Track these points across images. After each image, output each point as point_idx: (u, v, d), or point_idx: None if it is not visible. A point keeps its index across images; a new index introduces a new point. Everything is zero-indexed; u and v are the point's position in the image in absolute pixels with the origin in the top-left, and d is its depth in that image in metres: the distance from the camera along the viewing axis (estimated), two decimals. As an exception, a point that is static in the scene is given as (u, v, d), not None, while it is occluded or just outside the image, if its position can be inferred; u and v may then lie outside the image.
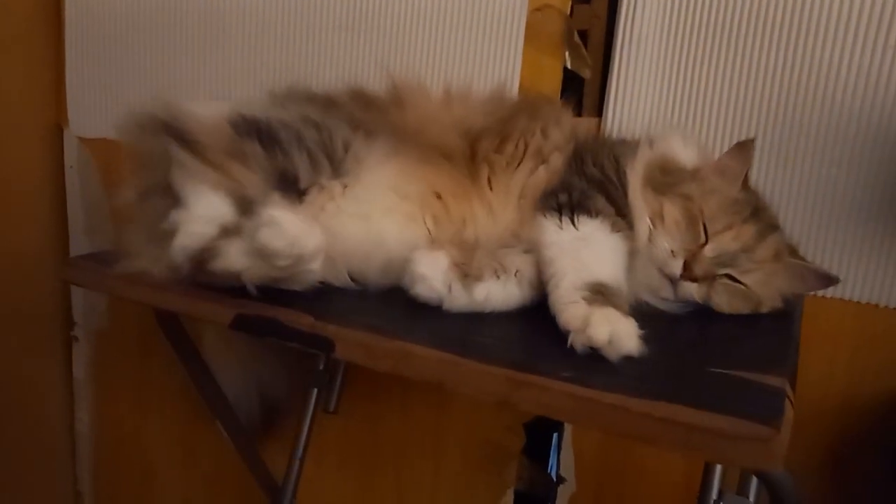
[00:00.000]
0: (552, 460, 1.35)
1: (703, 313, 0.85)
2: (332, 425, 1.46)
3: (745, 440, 0.56)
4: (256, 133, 0.85)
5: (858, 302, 1.08)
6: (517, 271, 0.82)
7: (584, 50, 1.26)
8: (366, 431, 1.47)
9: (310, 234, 0.76)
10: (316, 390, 1.33)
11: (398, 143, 0.91)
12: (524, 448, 1.38)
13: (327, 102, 0.97)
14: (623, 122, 1.19)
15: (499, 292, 0.81)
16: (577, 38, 1.25)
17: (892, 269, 1.04)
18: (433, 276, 0.79)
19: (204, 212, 0.81)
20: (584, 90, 1.26)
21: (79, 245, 1.69)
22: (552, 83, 1.26)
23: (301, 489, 1.38)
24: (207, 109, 0.88)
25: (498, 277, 0.81)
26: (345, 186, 0.88)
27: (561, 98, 1.25)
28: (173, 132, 0.85)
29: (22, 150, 1.59)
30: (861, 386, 1.10)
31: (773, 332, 0.83)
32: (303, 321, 0.77)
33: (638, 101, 1.17)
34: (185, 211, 0.82)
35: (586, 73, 1.26)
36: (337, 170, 0.87)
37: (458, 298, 0.79)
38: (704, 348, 0.79)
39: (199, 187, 0.83)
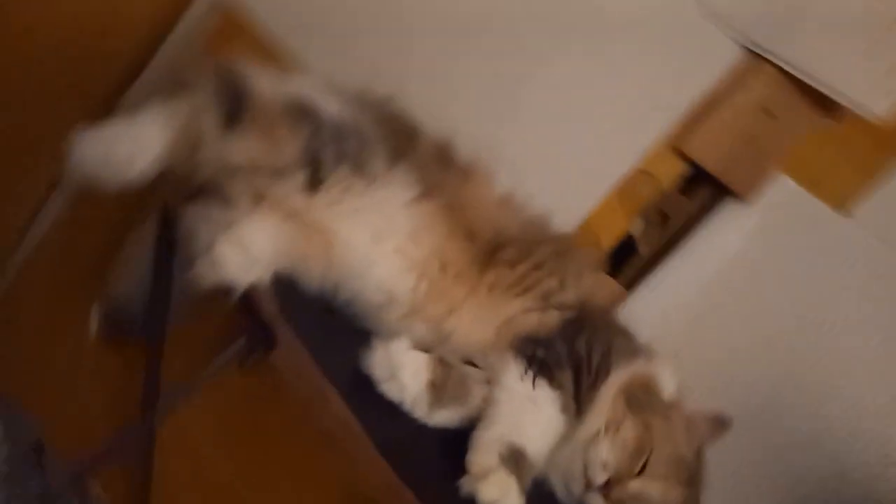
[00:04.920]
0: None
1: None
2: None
3: None
4: (310, 116, 0.88)
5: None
6: (481, 401, 0.83)
7: (655, 230, 1.26)
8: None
9: (251, 264, 0.79)
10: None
11: (441, 202, 0.91)
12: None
13: (409, 134, 0.97)
14: (644, 309, 1.19)
15: (454, 417, 0.83)
16: (657, 217, 1.25)
17: None
18: (410, 387, 0.80)
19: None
20: (632, 261, 1.26)
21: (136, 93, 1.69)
22: (610, 237, 1.26)
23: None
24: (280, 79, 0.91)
25: (461, 406, 0.82)
26: (369, 182, 0.89)
27: (608, 255, 1.25)
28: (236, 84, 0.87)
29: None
30: None
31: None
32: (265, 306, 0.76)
33: (666, 309, 1.17)
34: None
35: (644, 250, 1.25)
36: (361, 169, 0.89)
37: (418, 411, 0.81)
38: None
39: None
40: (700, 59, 1.24)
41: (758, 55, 1.18)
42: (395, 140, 0.94)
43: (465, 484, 0.72)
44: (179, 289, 1.04)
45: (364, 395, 0.76)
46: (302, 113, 0.89)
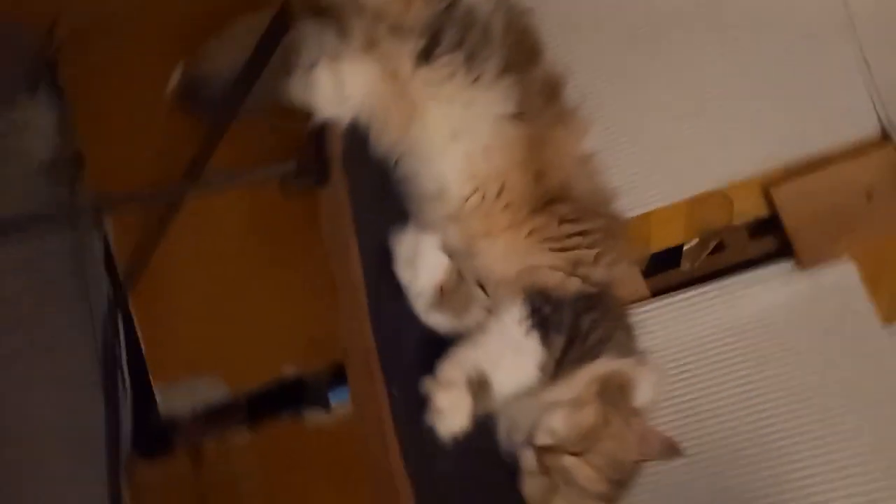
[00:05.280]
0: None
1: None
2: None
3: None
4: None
5: None
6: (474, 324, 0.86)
7: (705, 253, 1.26)
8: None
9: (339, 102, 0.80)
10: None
11: (528, 131, 0.92)
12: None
13: (530, 53, 0.96)
14: (656, 319, 1.21)
15: (445, 325, 0.86)
16: (713, 242, 1.26)
17: None
18: (421, 279, 0.83)
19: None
20: (670, 271, 1.27)
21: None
22: (661, 240, 1.28)
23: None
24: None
25: (456, 319, 0.86)
26: (473, 81, 0.89)
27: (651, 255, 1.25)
28: None
29: None
30: None
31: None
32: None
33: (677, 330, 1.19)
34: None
35: (685, 267, 1.26)
36: (472, 63, 0.88)
37: (418, 304, 0.84)
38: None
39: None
40: (838, 116, 1.20)
41: (889, 137, 1.15)
42: (516, 53, 0.93)
43: (428, 384, 0.76)
44: (264, 88, 1.06)
45: (381, 267, 0.79)
46: None
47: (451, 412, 0.75)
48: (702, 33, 1.27)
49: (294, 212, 1.44)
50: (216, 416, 1.57)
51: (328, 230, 0.76)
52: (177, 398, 1.59)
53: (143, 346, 1.61)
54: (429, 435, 0.72)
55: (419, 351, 0.80)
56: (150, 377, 1.59)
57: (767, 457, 1.12)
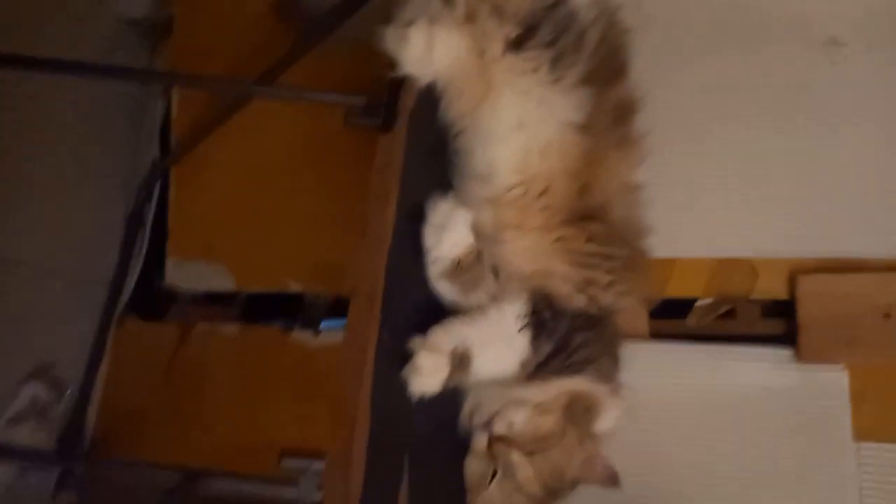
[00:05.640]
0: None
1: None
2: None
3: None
4: None
5: None
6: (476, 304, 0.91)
7: (714, 316, 1.29)
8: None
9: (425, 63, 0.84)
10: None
11: (588, 145, 0.95)
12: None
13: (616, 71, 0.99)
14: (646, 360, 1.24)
15: (449, 295, 0.91)
16: (725, 307, 1.28)
17: None
18: (442, 248, 0.87)
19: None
20: (675, 320, 1.30)
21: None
22: (677, 289, 1.30)
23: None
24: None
25: (461, 293, 0.91)
26: (553, 81, 0.91)
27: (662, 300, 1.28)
28: None
29: None
30: None
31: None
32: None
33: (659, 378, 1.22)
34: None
35: (691, 322, 1.30)
36: (557, 65, 0.91)
37: (432, 268, 0.89)
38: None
39: None
40: (884, 228, 1.22)
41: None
42: (602, 67, 0.95)
43: (416, 342, 0.81)
44: (358, 23, 1.10)
45: (410, 225, 0.83)
46: None
47: (427, 373, 0.79)
48: (787, 108, 1.28)
49: (345, 147, 1.49)
50: (214, 302, 1.64)
51: (376, 174, 0.80)
52: (184, 275, 1.66)
53: (169, 217, 1.68)
54: (400, 386, 0.77)
55: (418, 310, 0.84)
56: (167, 248, 1.67)
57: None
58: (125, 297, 1.65)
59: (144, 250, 1.68)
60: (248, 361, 1.53)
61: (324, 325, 1.53)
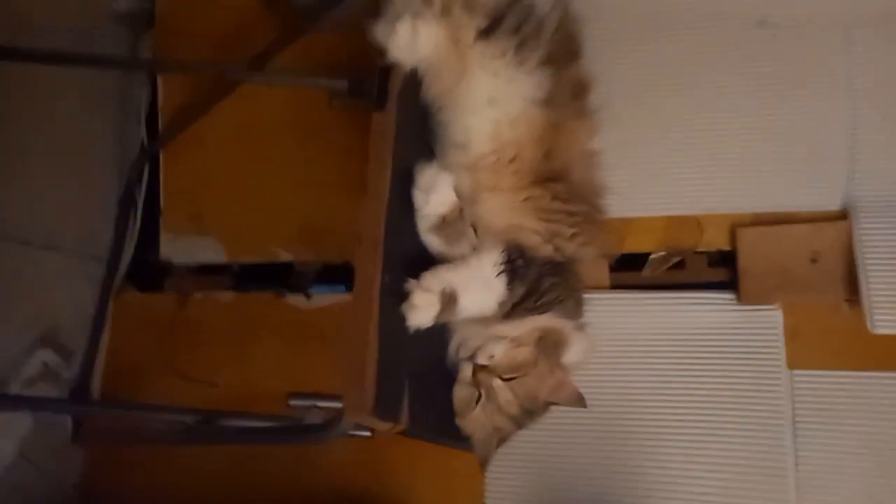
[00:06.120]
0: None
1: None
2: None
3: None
4: None
5: None
6: (459, 254, 1.05)
7: (666, 267, 1.45)
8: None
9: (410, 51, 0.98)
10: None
11: (550, 118, 1.09)
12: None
13: (571, 54, 1.13)
14: (606, 306, 1.39)
15: (435, 247, 1.05)
16: (676, 258, 1.44)
17: None
18: (430, 206, 1.02)
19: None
20: (631, 272, 1.45)
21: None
22: (635, 244, 1.46)
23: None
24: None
25: (446, 245, 1.06)
26: (518, 63, 1.05)
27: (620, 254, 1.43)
28: None
29: None
30: None
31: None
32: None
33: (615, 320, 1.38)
34: None
35: (645, 273, 1.45)
36: (521, 50, 1.05)
37: (421, 224, 1.03)
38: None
39: None
40: (813, 182, 1.38)
41: (846, 215, 1.34)
42: (559, 50, 1.10)
43: (412, 283, 0.96)
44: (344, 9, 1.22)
45: (403, 186, 0.97)
46: None
47: (421, 309, 0.94)
48: (726, 83, 1.43)
49: (328, 125, 1.62)
50: (208, 274, 1.74)
51: (373, 145, 0.94)
52: (178, 249, 1.76)
53: (161, 196, 1.78)
54: (400, 319, 0.92)
55: (413, 258, 0.99)
56: (161, 224, 1.77)
57: (657, 438, 1.34)
58: (122, 271, 1.72)
59: (137, 228, 1.75)
60: (245, 322, 1.63)
61: (313, 290, 1.64)
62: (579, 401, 1.07)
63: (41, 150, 1.57)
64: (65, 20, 1.62)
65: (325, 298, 1.61)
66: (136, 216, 1.76)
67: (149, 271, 1.77)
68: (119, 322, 1.69)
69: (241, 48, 1.59)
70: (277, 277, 1.68)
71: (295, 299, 1.62)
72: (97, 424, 1.60)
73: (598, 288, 1.42)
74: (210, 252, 1.73)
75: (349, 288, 1.51)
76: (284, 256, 1.68)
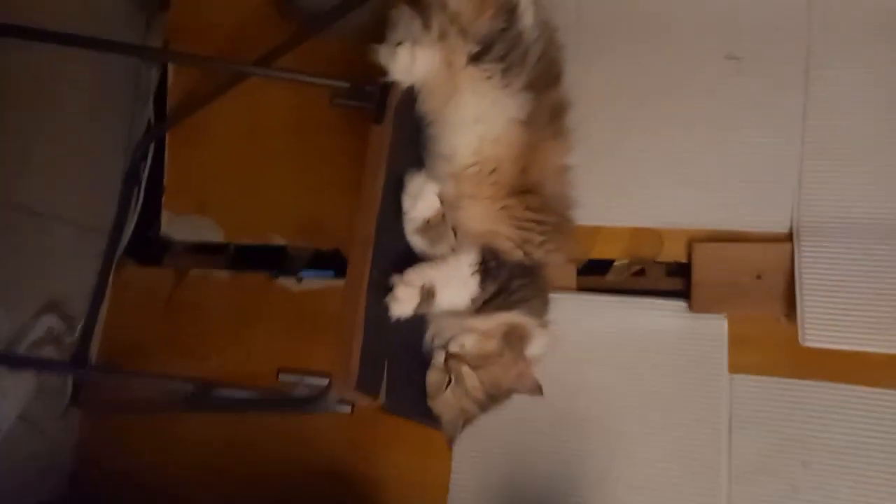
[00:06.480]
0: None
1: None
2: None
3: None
4: (514, 16, 1.18)
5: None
6: (440, 254, 1.18)
7: (628, 274, 1.58)
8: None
9: (408, 73, 1.10)
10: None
11: (529, 137, 1.21)
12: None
13: (552, 78, 1.25)
14: (570, 307, 1.53)
15: (419, 247, 1.18)
16: (637, 267, 1.58)
17: None
18: (417, 210, 1.14)
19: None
20: (596, 277, 1.59)
21: None
22: (600, 252, 1.58)
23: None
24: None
25: (428, 245, 1.19)
26: (504, 86, 1.17)
27: (587, 260, 1.57)
28: None
29: None
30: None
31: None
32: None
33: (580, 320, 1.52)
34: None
35: (609, 279, 1.58)
36: (507, 75, 1.16)
37: (407, 226, 1.16)
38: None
39: None
40: (765, 205, 1.48)
41: (791, 238, 1.46)
42: (541, 76, 1.22)
43: (395, 278, 1.08)
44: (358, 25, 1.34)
45: (394, 191, 1.10)
46: (511, 10, 1.17)
47: (403, 302, 1.07)
48: (692, 110, 1.55)
49: (328, 122, 1.72)
50: (205, 252, 1.84)
51: (370, 154, 1.06)
52: (178, 227, 1.85)
53: (166, 175, 1.87)
54: (384, 310, 1.05)
55: (399, 256, 1.12)
56: (163, 202, 1.86)
57: (609, 429, 1.47)
58: (123, 244, 1.82)
59: (140, 204, 1.84)
60: (239, 302, 1.73)
61: (304, 274, 1.75)
62: (537, 390, 1.20)
63: (52, 128, 1.66)
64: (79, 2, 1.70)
65: (314, 282, 1.71)
66: (139, 193, 1.85)
67: (149, 247, 1.86)
68: (118, 293, 1.80)
69: (251, 42, 1.68)
70: (271, 260, 1.78)
71: (287, 282, 1.73)
72: (95, 393, 1.70)
73: (565, 289, 1.55)
74: (209, 232, 1.83)
75: (338, 273, 1.65)
76: (278, 241, 1.77)
